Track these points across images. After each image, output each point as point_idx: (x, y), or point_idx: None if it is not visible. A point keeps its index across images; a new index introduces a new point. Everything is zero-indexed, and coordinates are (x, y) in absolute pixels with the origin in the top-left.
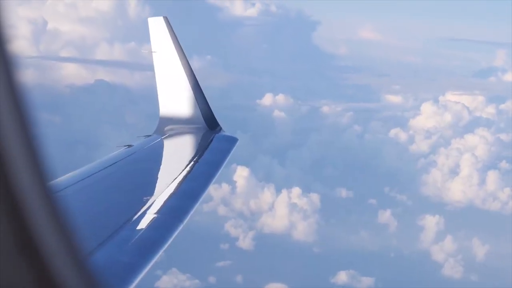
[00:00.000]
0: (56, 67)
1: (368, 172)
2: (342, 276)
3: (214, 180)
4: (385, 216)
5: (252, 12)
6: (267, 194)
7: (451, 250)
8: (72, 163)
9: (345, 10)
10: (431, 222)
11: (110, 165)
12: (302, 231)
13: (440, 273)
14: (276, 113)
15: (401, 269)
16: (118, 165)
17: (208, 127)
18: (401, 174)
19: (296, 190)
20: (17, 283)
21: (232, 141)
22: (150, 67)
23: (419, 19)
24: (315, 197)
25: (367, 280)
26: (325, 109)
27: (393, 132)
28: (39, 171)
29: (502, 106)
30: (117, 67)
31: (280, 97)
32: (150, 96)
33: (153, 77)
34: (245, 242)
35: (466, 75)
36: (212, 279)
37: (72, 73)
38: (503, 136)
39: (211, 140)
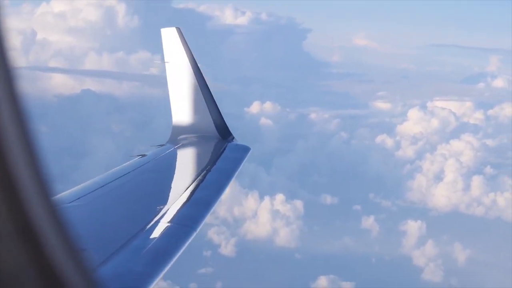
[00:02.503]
0: (45, 77)
1: (354, 178)
2: (323, 281)
3: (226, 189)
4: (369, 222)
5: (242, 20)
6: (251, 201)
7: (433, 255)
8: (59, 172)
9: (337, 18)
10: (413, 228)
11: (124, 175)
12: (285, 237)
13: (420, 277)
14: (263, 120)
15: (381, 274)
16: (132, 174)
17: (220, 136)
18: (387, 180)
19: (280, 197)
20: (20, 277)
21: (245, 150)
22: (138, 77)
23: (411, 26)
24: (298, 203)
25: (348, 285)
26: (313, 116)
27: (380, 138)
28: (42, 180)
29: (490, 112)
30: (105, 77)
31: (268, 105)
32: (137, 105)
33: (141, 87)
34: (227, 249)
35: (455, 81)
36: (193, 286)
37: (60, 83)
38: (489, 142)
39: (224, 149)
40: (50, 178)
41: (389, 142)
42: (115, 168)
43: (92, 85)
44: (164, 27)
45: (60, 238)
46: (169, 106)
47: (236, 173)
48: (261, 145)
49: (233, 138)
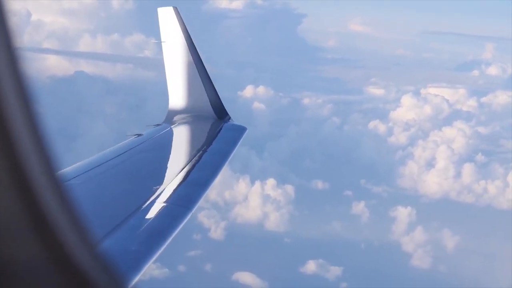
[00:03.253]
0: (38, 58)
1: (346, 164)
2: (311, 266)
3: (222, 169)
4: (359, 207)
5: (237, 4)
6: (242, 185)
7: (422, 241)
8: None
9: (333, 3)
10: (404, 214)
11: (120, 154)
12: (275, 222)
13: (409, 263)
14: (256, 104)
15: (370, 259)
16: (128, 154)
17: (217, 116)
18: (379, 166)
19: (271, 182)
20: (32, 261)
21: (241, 130)
22: (132, 59)
23: (407, 12)
24: (289, 188)
25: (336, 270)
26: (306, 101)
27: (372, 124)
28: (48, 159)
29: (483, 99)
30: (98, 59)
31: (261, 89)
32: (130, 87)
33: (135, 69)
34: (217, 232)
35: (450, 68)
36: (181, 268)
37: (54, 65)
38: (481, 129)
39: (220, 129)
40: (55, 156)
41: (382, 128)
42: (111, 148)
43: (85, 67)
44: (157, 9)
45: (68, 216)
46: (163, 89)
47: (233, 153)
48: (253, 129)
49: (230, 118)
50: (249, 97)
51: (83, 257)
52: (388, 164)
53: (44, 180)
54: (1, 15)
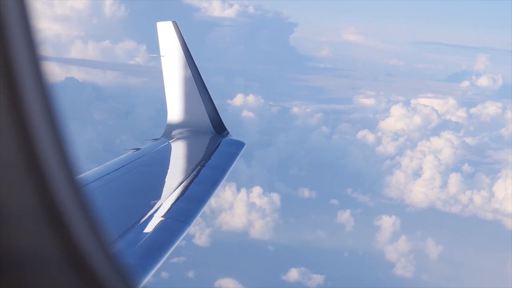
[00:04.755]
0: None
1: (334, 173)
2: (293, 273)
3: (220, 184)
4: (344, 216)
5: (229, 13)
6: (229, 193)
7: (405, 251)
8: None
9: (326, 13)
10: (388, 223)
11: (118, 168)
12: (259, 229)
13: (392, 272)
14: (245, 113)
15: (353, 268)
16: (126, 168)
17: (215, 131)
18: (366, 175)
19: (257, 190)
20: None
21: (239, 145)
22: (123, 67)
23: (401, 23)
24: (275, 196)
25: (318, 278)
26: (296, 110)
27: (361, 133)
28: (68, 164)
29: (472, 110)
30: (89, 66)
31: (251, 98)
32: (120, 94)
33: (124, 76)
34: (202, 239)
35: (440, 79)
36: (164, 275)
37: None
38: (469, 140)
39: (218, 144)
40: (75, 160)
41: (371, 137)
42: (109, 162)
43: (76, 73)
44: (150, 17)
45: (85, 218)
46: (152, 96)
47: (231, 168)
48: (242, 137)
49: (228, 133)
50: (238, 106)
51: (98, 256)
52: (375, 173)
53: (62, 180)
54: (26, 24)
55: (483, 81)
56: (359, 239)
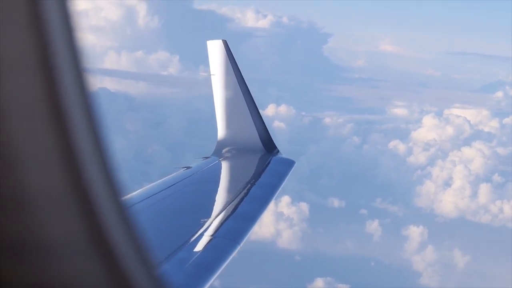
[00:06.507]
0: None
1: (364, 183)
2: (319, 283)
3: (270, 203)
4: (373, 226)
5: (263, 23)
6: None
7: (432, 260)
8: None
9: (362, 24)
10: (417, 233)
11: (169, 187)
12: (287, 239)
13: (418, 282)
14: (276, 123)
15: (378, 277)
16: (177, 186)
17: (265, 149)
18: (396, 185)
19: (286, 199)
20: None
21: (289, 164)
22: (155, 77)
23: (436, 33)
24: (304, 206)
25: (343, 287)
26: (328, 120)
27: (392, 144)
28: (113, 183)
29: (505, 120)
30: (123, 76)
31: (283, 108)
32: (152, 105)
33: (157, 86)
34: None
35: (474, 89)
36: None
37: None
38: (501, 150)
39: (268, 163)
40: (120, 181)
41: (402, 148)
42: (160, 180)
43: (109, 83)
44: (184, 27)
45: (132, 244)
46: (183, 107)
47: (281, 187)
48: None
49: (278, 151)
50: (270, 116)
51: (143, 279)
52: (405, 183)
53: (108, 203)
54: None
55: None
56: (387, 249)
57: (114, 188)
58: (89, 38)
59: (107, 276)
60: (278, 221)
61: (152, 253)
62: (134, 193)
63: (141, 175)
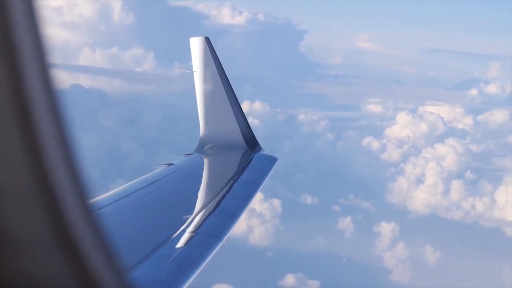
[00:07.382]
0: None
1: (337, 179)
2: (290, 279)
3: (253, 199)
4: (345, 223)
5: (239, 20)
6: None
7: (403, 257)
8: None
9: (338, 21)
10: (388, 230)
11: (151, 183)
12: (259, 235)
13: (388, 278)
14: (250, 120)
15: (350, 273)
16: (159, 183)
17: (248, 146)
18: (369, 182)
19: (258, 195)
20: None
21: (272, 160)
22: (130, 73)
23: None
24: (276, 202)
25: (314, 284)
26: (302, 117)
27: (366, 140)
28: (80, 184)
29: (479, 118)
30: (97, 73)
31: (257, 105)
32: (127, 101)
33: (132, 83)
34: None
35: (449, 86)
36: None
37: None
38: (474, 147)
39: (251, 160)
40: (88, 182)
41: (376, 144)
42: (141, 177)
43: (83, 80)
44: (158, 24)
45: (98, 245)
46: (158, 103)
47: (263, 183)
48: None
49: (261, 148)
50: (245, 112)
51: (111, 283)
52: (378, 180)
53: (76, 206)
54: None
55: (491, 89)
56: (358, 245)
57: (80, 185)
58: (63, 35)
59: (71, 272)
60: (250, 218)
61: (118, 250)
62: (116, 189)
63: (115, 171)
